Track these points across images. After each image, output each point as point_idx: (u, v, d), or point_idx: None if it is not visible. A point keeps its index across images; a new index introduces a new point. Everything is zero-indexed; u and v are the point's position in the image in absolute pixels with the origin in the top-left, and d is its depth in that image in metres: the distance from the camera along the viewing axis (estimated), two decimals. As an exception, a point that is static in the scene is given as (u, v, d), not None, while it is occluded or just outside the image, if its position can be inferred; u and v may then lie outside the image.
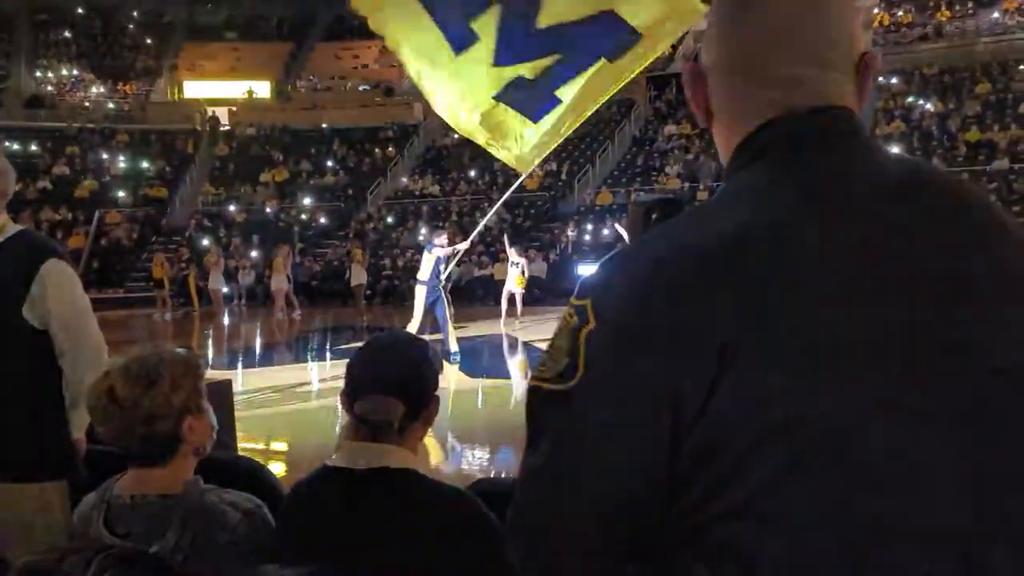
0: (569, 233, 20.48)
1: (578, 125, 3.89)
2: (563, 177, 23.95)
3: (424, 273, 9.76)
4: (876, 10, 27.36)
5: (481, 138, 3.76)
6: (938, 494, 0.65)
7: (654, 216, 1.15)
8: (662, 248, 0.73)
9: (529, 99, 3.58)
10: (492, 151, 3.83)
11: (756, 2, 0.79)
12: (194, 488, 1.47)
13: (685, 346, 0.67)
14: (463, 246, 9.89)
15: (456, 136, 27.92)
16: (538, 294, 17.25)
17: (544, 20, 3.40)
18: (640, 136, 25.97)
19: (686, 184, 21.78)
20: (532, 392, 0.77)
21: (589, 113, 3.82)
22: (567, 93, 3.57)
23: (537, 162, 3.88)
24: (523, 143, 3.70)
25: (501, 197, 21.97)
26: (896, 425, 0.65)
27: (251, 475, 1.82)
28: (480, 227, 4.76)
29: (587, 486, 0.71)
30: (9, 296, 2.07)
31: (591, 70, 3.52)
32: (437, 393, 1.48)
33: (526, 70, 3.51)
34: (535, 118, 3.63)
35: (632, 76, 3.76)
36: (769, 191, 0.73)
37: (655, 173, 22.91)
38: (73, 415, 2.15)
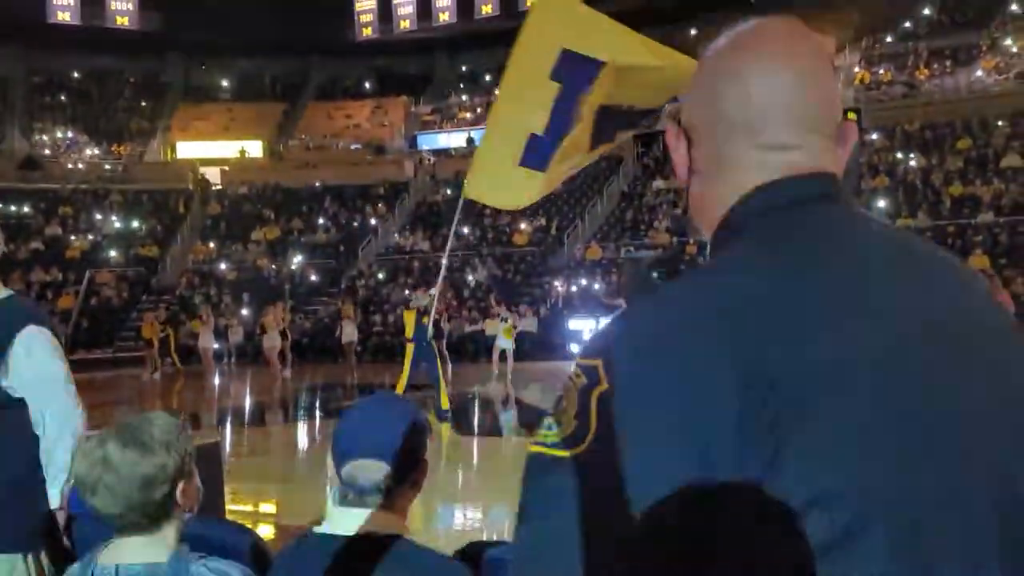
0: (559, 288, 20.55)
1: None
2: (553, 232, 24.15)
3: (409, 331, 9.83)
4: (856, 68, 28.09)
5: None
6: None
7: (656, 274, 1.16)
8: (678, 308, 0.71)
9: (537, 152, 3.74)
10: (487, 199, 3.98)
11: (756, 65, 0.79)
12: (180, 557, 1.45)
13: (707, 412, 0.64)
14: (425, 300, 9.98)
15: (448, 192, 28.25)
16: (529, 349, 17.22)
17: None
18: (628, 191, 26.30)
19: (675, 238, 21.97)
20: (534, 459, 0.71)
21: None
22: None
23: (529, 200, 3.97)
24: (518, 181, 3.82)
25: (491, 252, 22.16)
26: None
27: (238, 541, 1.79)
28: (441, 279, 4.65)
29: (594, 563, 0.66)
30: None
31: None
32: (426, 456, 1.46)
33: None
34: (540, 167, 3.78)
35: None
36: (777, 254, 0.73)
37: (644, 228, 23.13)
38: (51, 485, 2.12)
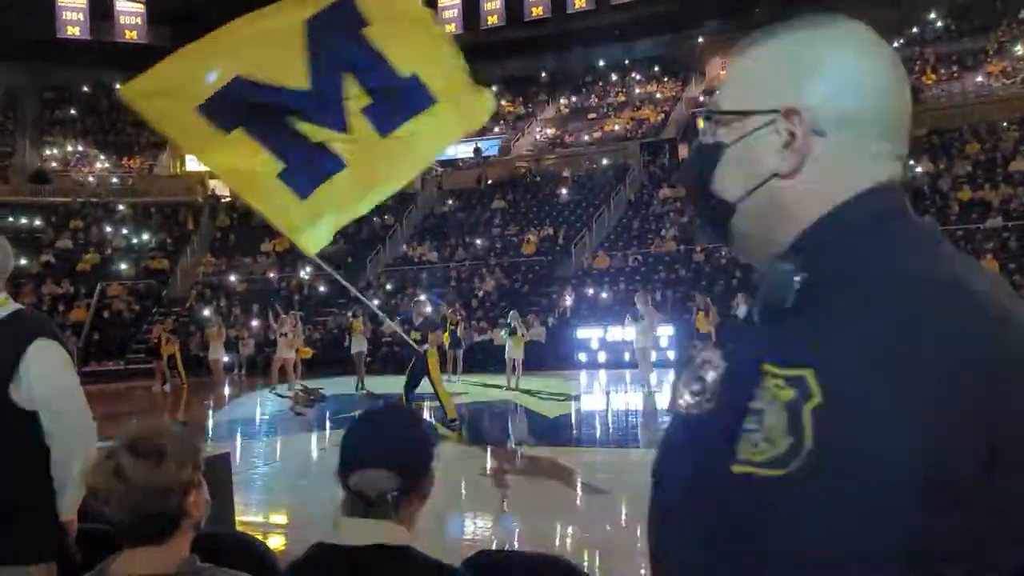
0: (567, 297, 20.54)
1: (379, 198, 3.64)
2: (560, 242, 24.17)
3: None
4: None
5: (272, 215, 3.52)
6: None
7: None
8: (908, 316, 0.66)
9: (304, 167, 3.41)
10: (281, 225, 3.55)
11: (893, 67, 0.83)
12: (190, 567, 1.46)
13: (948, 440, 0.61)
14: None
15: (453, 202, 28.33)
16: (537, 358, 17.20)
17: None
18: (635, 200, 26.31)
19: (682, 246, 21.95)
20: (743, 482, 0.66)
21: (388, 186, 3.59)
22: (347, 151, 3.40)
23: (324, 242, 3.57)
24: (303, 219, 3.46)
25: (499, 262, 22.18)
26: None
27: (248, 551, 1.81)
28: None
29: None
30: None
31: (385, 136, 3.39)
32: (433, 465, 1.47)
33: (309, 130, 3.37)
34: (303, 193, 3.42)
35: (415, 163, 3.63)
36: (955, 264, 0.73)
37: (651, 236, 23.12)
38: (62, 496, 2.14)
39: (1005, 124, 23.46)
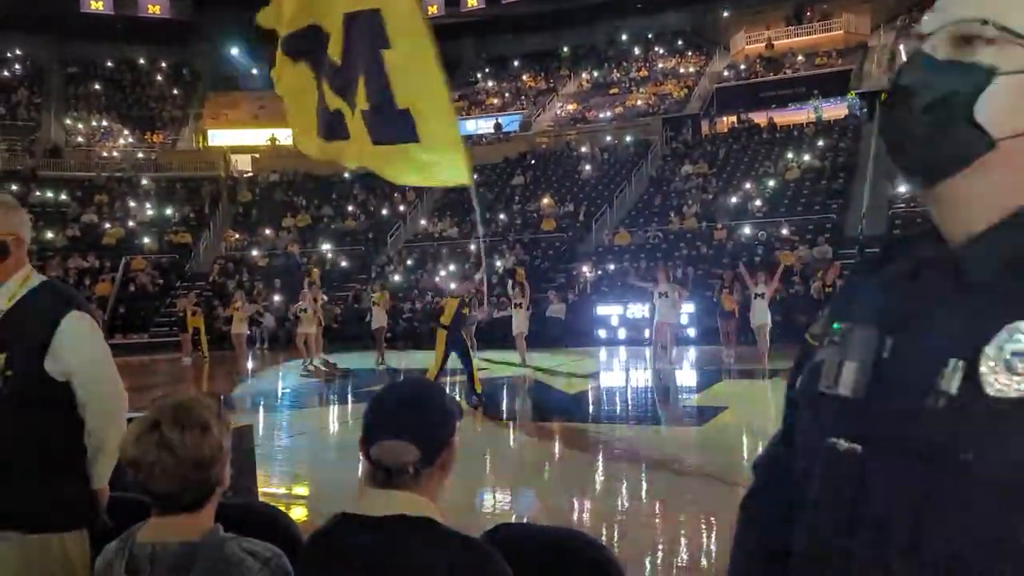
0: (587, 274, 20.49)
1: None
2: (581, 218, 24.07)
3: (448, 318, 9.91)
4: (894, 47, 27.49)
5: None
6: None
7: None
8: None
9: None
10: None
11: None
12: (214, 536, 1.49)
13: None
14: (469, 289, 10.10)
15: (475, 177, 28.26)
16: (557, 335, 17.21)
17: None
18: (657, 176, 26.10)
19: (704, 223, 21.78)
20: None
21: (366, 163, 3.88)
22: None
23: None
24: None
25: (520, 238, 22.06)
26: None
27: (270, 522, 1.83)
28: (482, 270, 4.66)
29: None
30: (32, 349, 2.11)
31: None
32: (455, 438, 1.48)
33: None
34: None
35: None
36: None
37: (672, 213, 22.96)
38: (95, 465, 2.18)
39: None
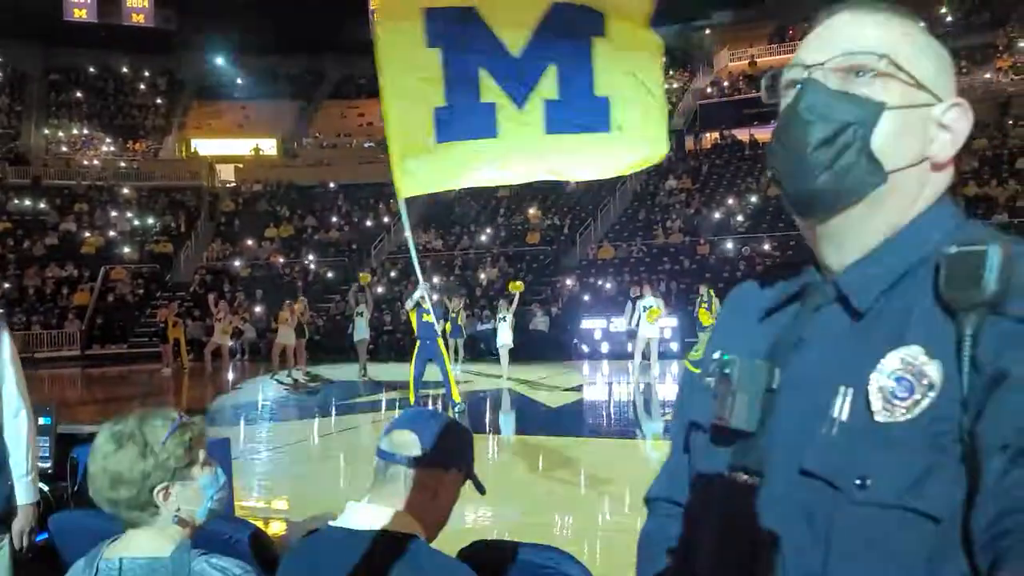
0: (571, 287, 20.51)
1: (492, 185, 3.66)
2: (565, 231, 24.12)
3: (414, 329, 10.12)
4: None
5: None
6: None
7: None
8: None
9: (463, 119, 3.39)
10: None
11: None
12: (183, 552, 1.46)
13: None
14: (416, 295, 10.18)
15: (460, 191, 28.25)
16: (540, 348, 17.20)
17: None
18: (641, 191, 26.23)
19: (687, 238, 21.90)
20: None
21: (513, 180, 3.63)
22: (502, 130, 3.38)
23: (412, 192, 3.46)
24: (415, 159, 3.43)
25: (504, 251, 22.09)
26: None
27: (241, 537, 1.80)
28: (420, 275, 4.41)
29: None
30: None
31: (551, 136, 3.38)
32: (455, 476, 1.50)
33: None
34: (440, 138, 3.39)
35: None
36: None
37: (656, 227, 23.07)
38: (18, 480, 2.29)
39: (1011, 121, 23.33)
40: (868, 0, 0.87)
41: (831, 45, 0.84)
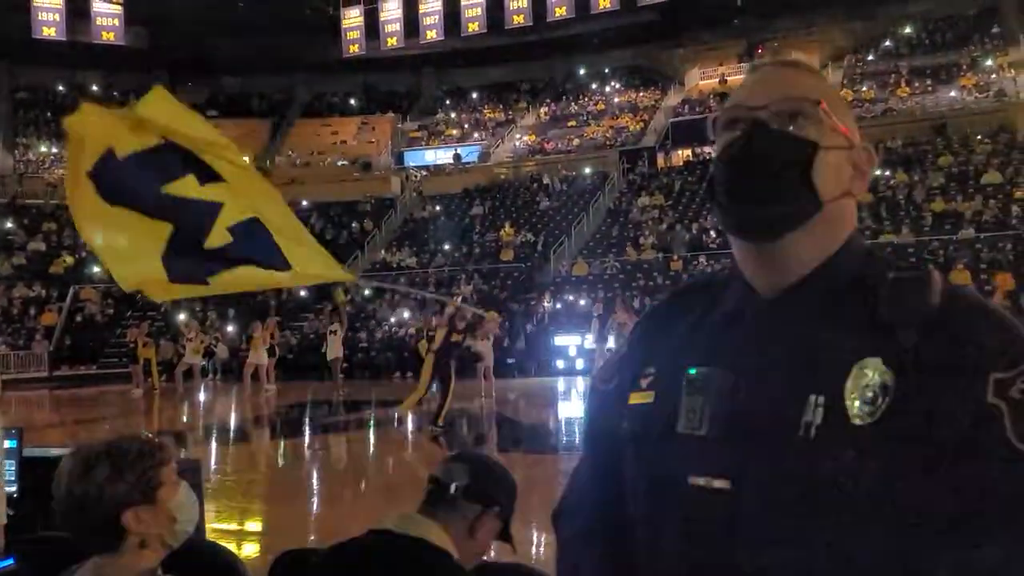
0: (545, 304, 20.56)
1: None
2: (539, 248, 24.20)
3: (437, 343, 10.01)
4: (842, 89, 28.40)
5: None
6: None
7: None
8: None
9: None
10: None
11: None
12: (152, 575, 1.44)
13: None
14: (453, 310, 10.18)
15: (435, 209, 28.31)
16: (515, 365, 17.20)
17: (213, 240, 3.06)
18: (614, 208, 26.41)
19: (660, 254, 22.07)
20: None
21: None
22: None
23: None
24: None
25: (479, 268, 22.02)
26: None
27: (214, 560, 1.78)
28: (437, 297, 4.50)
29: None
30: None
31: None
32: (496, 517, 1.59)
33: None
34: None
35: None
36: None
37: (630, 244, 23.23)
38: None
39: (978, 138, 23.86)
40: (794, 59, 1.04)
41: (770, 90, 0.96)
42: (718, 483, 0.87)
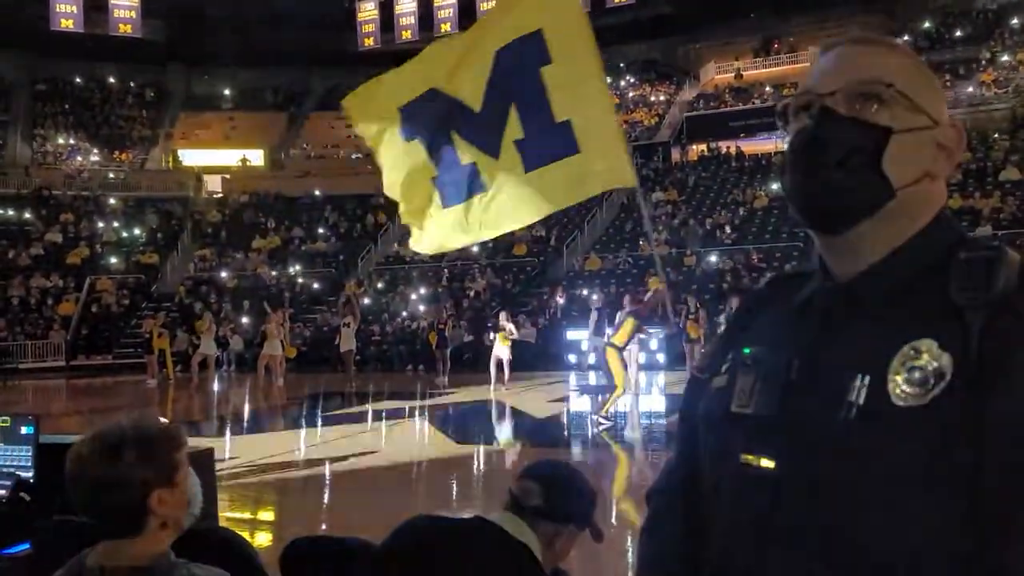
0: (558, 299, 20.53)
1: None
2: (552, 243, 24.17)
3: (622, 339, 9.90)
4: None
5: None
6: None
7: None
8: None
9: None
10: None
11: None
12: (164, 561, 1.46)
13: None
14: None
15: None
16: (527, 359, 17.19)
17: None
18: (628, 203, 26.34)
19: (673, 250, 22.01)
20: None
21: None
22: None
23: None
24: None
25: (492, 262, 22.08)
26: None
27: (226, 546, 1.80)
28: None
29: None
30: None
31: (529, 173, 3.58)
32: (571, 529, 1.66)
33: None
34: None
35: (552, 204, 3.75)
36: None
37: (642, 239, 23.13)
38: None
39: (996, 135, 23.60)
40: (868, 34, 0.97)
41: (840, 74, 0.92)
42: (764, 462, 0.88)
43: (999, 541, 0.76)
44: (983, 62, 27.83)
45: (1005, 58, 27.34)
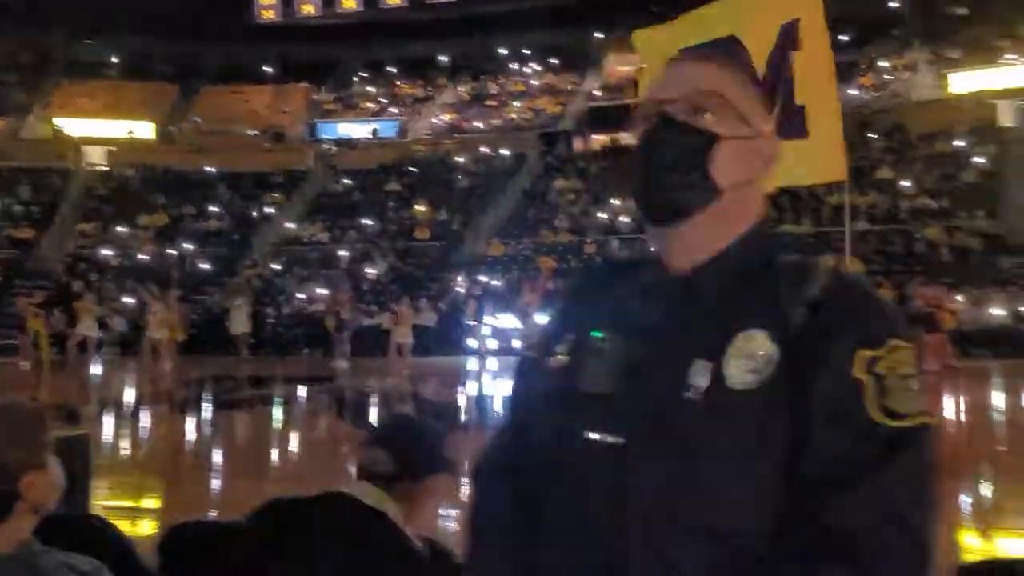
0: (460, 284, 20.54)
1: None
2: (455, 227, 24.13)
3: None
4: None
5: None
6: None
7: None
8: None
9: None
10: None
11: None
12: (28, 548, 1.39)
13: None
14: None
15: (348, 182, 27.76)
16: (428, 344, 17.16)
17: None
18: (531, 190, 26.56)
19: (575, 237, 22.37)
20: (928, 434, 0.90)
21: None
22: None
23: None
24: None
25: (393, 245, 21.84)
26: None
27: (97, 534, 1.73)
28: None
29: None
30: None
31: None
32: (448, 473, 1.62)
33: None
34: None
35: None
36: None
37: (546, 226, 23.42)
38: None
39: (874, 136, 25.08)
40: (709, 51, 1.09)
41: (680, 84, 1.03)
42: (611, 439, 0.94)
43: (824, 503, 0.86)
44: (863, 67, 29.43)
45: (883, 63, 29.02)
